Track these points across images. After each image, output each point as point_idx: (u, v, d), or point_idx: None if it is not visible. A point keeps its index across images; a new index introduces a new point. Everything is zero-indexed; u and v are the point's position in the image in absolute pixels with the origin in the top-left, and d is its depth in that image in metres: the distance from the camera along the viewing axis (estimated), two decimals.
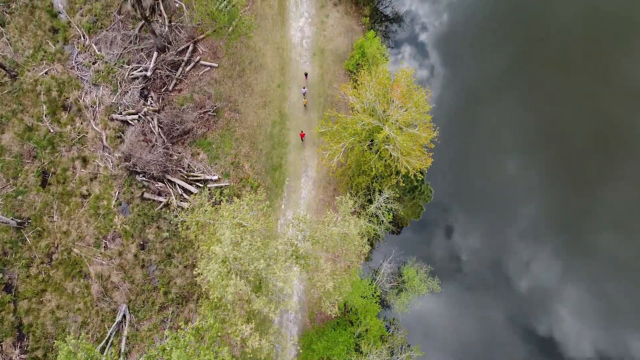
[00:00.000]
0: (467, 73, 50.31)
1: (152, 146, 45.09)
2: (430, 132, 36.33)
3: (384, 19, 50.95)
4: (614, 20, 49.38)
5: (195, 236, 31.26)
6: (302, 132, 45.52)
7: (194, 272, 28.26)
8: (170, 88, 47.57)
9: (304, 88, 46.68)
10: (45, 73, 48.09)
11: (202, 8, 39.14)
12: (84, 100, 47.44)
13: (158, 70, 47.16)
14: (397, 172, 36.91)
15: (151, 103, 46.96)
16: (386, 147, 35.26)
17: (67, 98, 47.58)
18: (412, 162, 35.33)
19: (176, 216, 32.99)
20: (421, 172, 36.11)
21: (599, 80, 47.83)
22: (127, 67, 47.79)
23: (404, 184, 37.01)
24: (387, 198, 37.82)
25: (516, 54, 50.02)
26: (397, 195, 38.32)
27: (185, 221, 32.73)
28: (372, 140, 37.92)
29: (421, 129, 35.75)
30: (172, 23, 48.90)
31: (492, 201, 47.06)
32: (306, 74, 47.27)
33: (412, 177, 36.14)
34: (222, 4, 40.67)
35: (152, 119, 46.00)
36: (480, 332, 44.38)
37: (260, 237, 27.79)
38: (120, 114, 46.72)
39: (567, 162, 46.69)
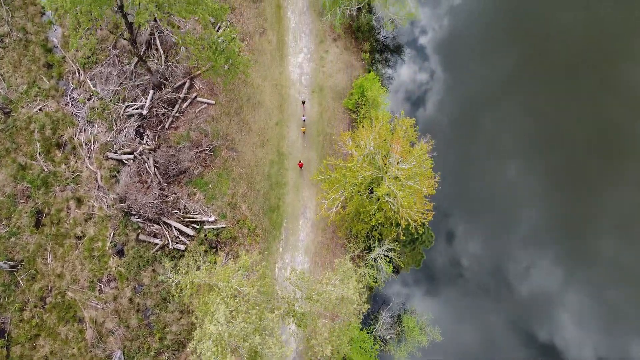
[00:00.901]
0: (468, 78, 49.98)
1: (148, 187, 44.30)
2: (431, 182, 35.57)
3: (383, 54, 49.97)
4: (616, 26, 49.38)
5: (190, 300, 30.46)
6: (300, 162, 44.88)
7: (188, 349, 27.50)
8: (167, 126, 46.72)
9: (303, 116, 46.11)
10: (40, 110, 47.28)
11: (197, 51, 38.22)
12: (78, 138, 46.63)
13: (154, 109, 46.32)
14: (397, 224, 36.10)
15: (147, 141, 46.14)
16: (387, 199, 34.46)
17: (61, 135, 46.78)
18: (413, 215, 34.55)
19: (169, 278, 32.14)
20: (422, 225, 35.28)
21: (601, 85, 47.91)
22: (122, 104, 46.95)
23: (404, 237, 36.21)
24: (387, 249, 37.02)
25: (518, 59, 49.73)
26: (397, 249, 37.53)
27: (179, 283, 31.93)
28: (371, 189, 37.13)
29: (422, 180, 34.96)
30: (169, 58, 48.06)
31: (493, 206, 46.73)
32: (304, 102, 46.68)
33: (413, 230, 35.33)
34: (218, 42, 39.75)
35: (148, 159, 45.17)
36: (481, 337, 44.11)
37: (255, 308, 27.00)
38: (115, 152, 45.90)
39: (569, 167, 46.58)
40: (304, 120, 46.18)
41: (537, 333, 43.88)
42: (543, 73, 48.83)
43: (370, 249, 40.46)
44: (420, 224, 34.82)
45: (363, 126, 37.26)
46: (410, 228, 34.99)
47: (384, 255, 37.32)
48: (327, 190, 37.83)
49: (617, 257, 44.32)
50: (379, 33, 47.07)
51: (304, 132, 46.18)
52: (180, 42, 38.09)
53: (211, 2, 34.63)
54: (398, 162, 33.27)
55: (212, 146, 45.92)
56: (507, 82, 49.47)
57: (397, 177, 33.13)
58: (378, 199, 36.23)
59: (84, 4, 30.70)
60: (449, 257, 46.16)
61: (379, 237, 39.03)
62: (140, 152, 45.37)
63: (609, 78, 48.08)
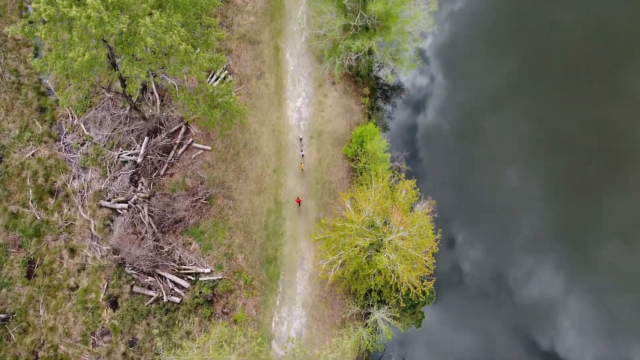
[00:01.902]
0: (469, 83, 49.38)
1: (142, 238, 43.34)
2: (434, 245, 34.72)
3: (384, 95, 48.87)
4: (618, 30, 48.89)
5: None
6: (298, 198, 44.07)
7: None
8: (162, 172, 45.76)
9: (301, 151, 45.36)
10: (32, 155, 46.31)
11: (193, 106, 37.17)
12: (71, 185, 45.66)
13: (149, 156, 45.32)
14: (397, 290, 35.18)
15: (141, 189, 45.15)
16: (386, 266, 33.53)
17: (54, 182, 45.83)
18: (413, 282, 33.64)
19: (157, 354, 31.20)
20: (423, 293, 34.31)
21: (603, 90, 47.37)
22: (116, 151, 45.96)
23: (404, 304, 35.28)
24: (387, 314, 36.09)
25: (520, 65, 49.18)
26: (398, 315, 36.61)
27: None
28: (371, 251, 36.18)
29: (423, 240, 34.05)
30: (164, 101, 47.08)
31: (494, 212, 46.26)
32: (301, 138, 45.95)
33: (414, 297, 34.41)
34: (214, 95, 38.76)
35: (142, 208, 44.21)
36: (482, 343, 43.61)
37: None
38: (109, 201, 44.93)
39: (571, 172, 46.18)
40: (302, 155, 45.35)
41: (538, 339, 43.43)
42: (544, 77, 48.53)
43: (369, 305, 39.50)
44: (421, 291, 33.86)
45: (361, 184, 36.31)
46: (410, 295, 34.06)
47: (383, 319, 36.38)
48: (325, 250, 36.89)
49: (618, 263, 43.88)
50: (378, 79, 46.03)
51: (302, 169, 45.34)
52: (175, 97, 37.05)
53: (205, 60, 33.60)
54: (398, 232, 32.30)
55: (208, 194, 44.94)
56: (509, 87, 49.09)
57: (397, 247, 32.17)
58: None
59: (75, 64, 29.68)
60: (450, 263, 45.56)
61: (379, 298, 38.08)
62: (134, 200, 44.39)
63: (611, 82, 47.72)
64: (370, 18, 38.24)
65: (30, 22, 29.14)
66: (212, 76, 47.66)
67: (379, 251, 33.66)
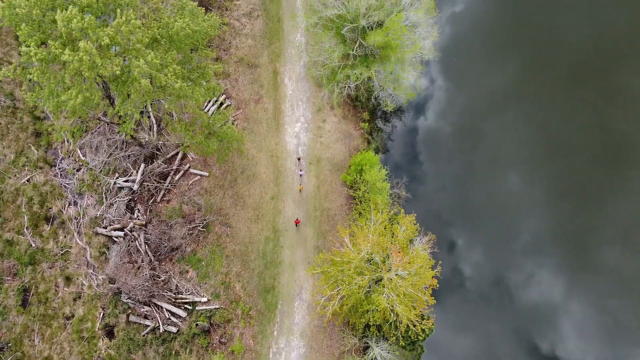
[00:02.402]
0: (470, 88, 49.38)
1: (138, 268, 42.83)
2: (433, 281, 34.25)
3: (383, 121, 48.28)
4: (621, 36, 49.00)
5: None
6: (297, 219, 43.66)
7: None
8: (158, 199, 45.25)
9: (300, 171, 44.86)
10: (27, 181, 45.78)
11: (189, 137, 36.62)
12: (67, 212, 45.14)
13: (145, 183, 44.80)
14: (396, 327, 34.67)
15: (138, 216, 44.63)
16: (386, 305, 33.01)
17: (50, 208, 45.29)
18: (413, 320, 33.14)
19: None
20: (423, 331, 33.81)
21: (605, 94, 47.47)
22: (112, 177, 45.43)
23: (403, 343, 34.78)
24: (386, 351, 35.60)
25: (522, 69, 49.28)
26: (397, 353, 36.13)
27: None
28: (370, 286, 35.68)
29: (422, 275, 33.55)
30: (161, 126, 46.53)
31: (495, 216, 46.24)
32: (299, 158, 45.54)
33: (413, 335, 33.91)
34: (210, 125, 38.17)
35: (139, 236, 43.70)
36: (483, 347, 43.60)
37: None
38: (105, 228, 44.41)
39: (572, 176, 46.26)
40: (301, 175, 44.94)
41: (539, 342, 43.41)
42: (546, 81, 48.50)
43: (368, 337, 38.99)
44: (420, 330, 33.36)
45: (360, 212, 35.69)
46: (410, 333, 33.56)
47: (382, 356, 35.88)
48: (324, 285, 36.39)
49: (619, 267, 43.90)
50: (378, 104, 45.40)
51: (300, 190, 44.92)
52: (171, 128, 36.50)
53: (201, 95, 33.01)
54: (397, 271, 31.79)
55: (205, 221, 44.42)
56: (510, 91, 49.11)
57: (396, 286, 31.64)
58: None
59: (68, 106, 29.15)
60: (451, 267, 45.46)
61: (378, 333, 37.56)
62: (130, 228, 43.88)
63: (612, 86, 47.76)
64: (369, 47, 37.65)
65: (23, 65, 28.60)
66: (209, 100, 47.11)
67: (378, 286, 33.13)
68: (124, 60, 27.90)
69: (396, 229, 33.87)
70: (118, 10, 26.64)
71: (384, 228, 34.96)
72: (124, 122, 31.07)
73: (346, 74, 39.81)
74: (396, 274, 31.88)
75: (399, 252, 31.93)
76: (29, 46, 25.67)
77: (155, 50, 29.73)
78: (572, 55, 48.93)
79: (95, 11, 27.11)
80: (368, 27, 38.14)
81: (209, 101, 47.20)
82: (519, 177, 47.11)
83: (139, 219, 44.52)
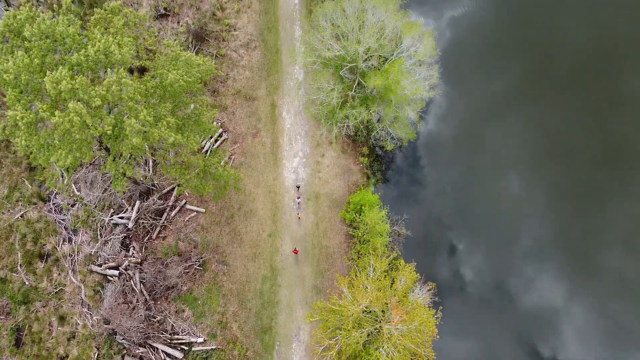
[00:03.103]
0: (471, 92, 48.99)
1: (133, 308, 42.10)
2: (433, 329, 33.48)
3: (382, 156, 47.38)
4: (623, 38, 48.59)
5: None
6: (295, 249, 43.08)
7: None
8: (154, 236, 44.50)
9: (298, 198, 44.28)
10: (21, 216, 45.05)
11: (184, 181, 35.82)
12: (61, 249, 44.42)
13: (141, 220, 44.03)
14: None
15: (133, 254, 43.89)
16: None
17: (44, 245, 44.58)
18: None
19: None
20: None
21: (607, 97, 47.15)
22: (107, 213, 44.67)
23: None
24: None
25: (524, 72, 48.85)
26: None
27: None
28: (369, 334, 34.94)
29: (423, 332, 32.83)
30: (157, 164, 45.72)
31: (496, 220, 45.97)
32: (298, 187, 44.95)
33: None
34: (206, 166, 37.35)
35: (134, 275, 42.98)
36: (483, 351, 43.45)
37: None
38: (100, 266, 43.69)
39: (574, 179, 46.05)
40: (299, 202, 44.37)
41: (540, 347, 43.25)
42: (547, 84, 48.15)
43: None
44: None
45: (359, 253, 34.87)
46: None
47: None
48: (322, 334, 35.66)
49: (621, 270, 43.75)
50: (377, 139, 44.51)
51: (299, 217, 44.32)
52: (166, 171, 35.72)
53: (196, 143, 32.19)
54: (397, 327, 31.04)
55: (201, 259, 43.68)
56: (511, 95, 48.71)
57: (395, 343, 30.91)
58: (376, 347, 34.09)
59: (60, 159, 28.40)
60: (452, 270, 45.40)
61: None
62: (125, 267, 43.15)
63: (614, 88, 47.47)
64: (369, 89, 36.81)
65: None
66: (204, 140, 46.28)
67: (377, 337, 32.40)
68: (114, 114, 27.07)
69: (396, 278, 33.10)
70: (109, 70, 25.86)
71: (384, 277, 34.20)
72: (116, 178, 30.29)
73: (345, 114, 38.97)
74: (396, 329, 31.14)
75: (399, 303, 31.16)
76: (16, 108, 24.87)
77: (148, 102, 28.92)
78: (573, 57, 48.61)
79: (86, 70, 26.32)
80: (367, 68, 37.27)
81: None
82: (520, 180, 46.79)
83: (134, 257, 43.78)
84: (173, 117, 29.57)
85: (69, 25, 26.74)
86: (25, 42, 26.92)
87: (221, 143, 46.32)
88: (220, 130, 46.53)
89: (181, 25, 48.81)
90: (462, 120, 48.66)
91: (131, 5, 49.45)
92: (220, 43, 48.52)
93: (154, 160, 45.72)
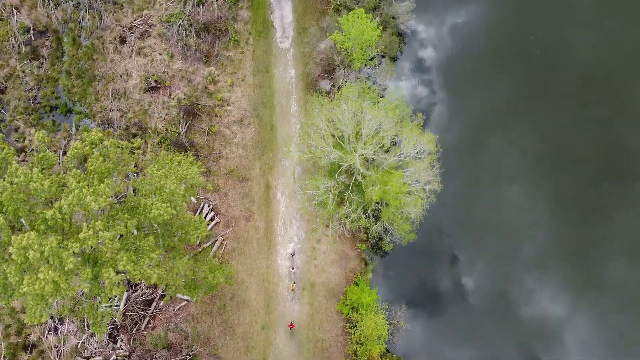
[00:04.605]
0: (474, 101, 48.74)
1: None
2: None
3: (381, 249, 45.40)
4: (628, 49, 48.42)
5: None
6: (291, 323, 41.75)
7: None
8: (143, 327, 42.81)
9: (292, 268, 42.90)
10: (4, 304, 43.27)
11: (171, 292, 34.04)
12: (47, 339, 42.75)
13: (129, 312, 42.33)
14: None
15: (121, 346, 42.23)
16: None
17: (28, 335, 42.93)
18: None
19: None
20: None
21: (610, 106, 47.14)
22: (95, 300, 42.90)
23: None
24: None
25: (529, 82, 48.55)
26: None
27: None
28: None
29: None
30: None
31: (499, 230, 45.74)
32: (293, 254, 43.37)
33: None
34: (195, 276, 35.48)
35: None
36: None
37: None
38: (87, 358, 42.03)
39: (577, 189, 45.67)
40: (294, 271, 42.88)
41: (543, 358, 43.08)
42: (552, 95, 47.85)
43: None
44: None
45: (357, 351, 32.96)
46: None
47: None
48: None
49: (624, 281, 43.56)
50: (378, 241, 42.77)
51: (293, 289, 42.80)
52: (149, 283, 33.88)
53: (182, 267, 30.40)
54: None
55: (192, 353, 41.97)
56: (515, 104, 48.39)
57: None
58: None
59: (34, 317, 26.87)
60: (454, 281, 45.01)
61: None
62: None
63: (619, 99, 47.30)
64: (366, 199, 34.94)
65: None
66: (197, 212, 44.48)
67: None
68: (91, 267, 25.30)
69: None
70: (84, 225, 24.06)
71: None
72: (95, 322, 28.56)
73: (342, 216, 37.14)
74: None
75: None
76: None
77: (128, 246, 27.07)
78: (580, 68, 48.38)
79: (58, 230, 24.57)
80: (365, 169, 35.34)
81: (197, 212, 44.51)
82: (523, 190, 46.41)
83: (122, 350, 42.13)
84: (156, 251, 27.71)
85: (44, 179, 24.92)
86: None
87: (213, 227, 44.48)
88: (212, 213, 44.68)
89: (172, 99, 46.84)
90: (464, 133, 48.36)
91: (120, 76, 47.49)
92: (212, 119, 46.57)
93: None
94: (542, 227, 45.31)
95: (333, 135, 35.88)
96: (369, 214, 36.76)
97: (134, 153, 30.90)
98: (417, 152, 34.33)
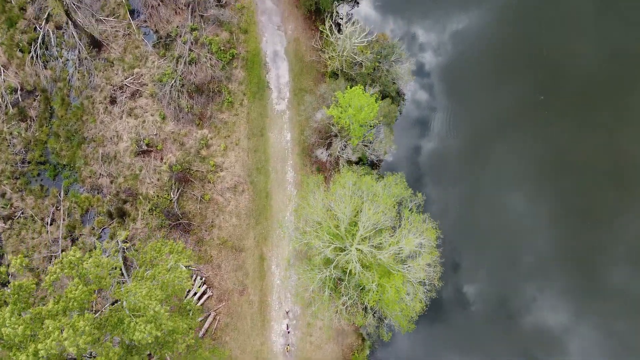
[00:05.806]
0: (477, 109, 48.59)
1: None
2: None
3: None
4: (632, 57, 48.00)
5: None
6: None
7: None
8: None
9: (287, 327, 41.61)
10: None
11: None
12: None
13: None
14: None
15: None
16: None
17: None
18: None
19: None
20: None
21: (615, 114, 46.91)
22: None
23: None
24: None
25: (533, 88, 48.05)
26: None
27: None
28: None
29: None
30: None
31: (501, 237, 45.65)
32: (287, 312, 42.21)
33: None
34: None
35: None
36: None
37: None
38: None
39: (580, 196, 45.63)
40: (289, 332, 41.71)
41: None
42: (556, 102, 47.37)
43: None
44: None
45: None
46: None
47: None
48: None
49: (628, 288, 43.51)
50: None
51: (288, 351, 41.49)
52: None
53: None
54: None
55: None
56: (518, 111, 48.16)
57: None
58: None
59: None
60: (456, 288, 44.77)
61: None
62: None
63: (623, 106, 47.07)
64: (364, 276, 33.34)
65: None
66: (188, 290, 42.98)
67: None
68: None
69: None
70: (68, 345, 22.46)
71: None
72: None
73: (338, 306, 35.55)
74: None
75: None
76: None
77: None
78: (583, 75, 48.11)
79: None
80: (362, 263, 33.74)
81: (188, 291, 43.02)
82: (526, 197, 46.30)
83: None
84: None
85: (19, 325, 23.39)
86: None
87: (205, 301, 42.97)
88: (205, 286, 43.15)
89: (164, 163, 45.23)
90: (468, 141, 47.84)
91: (111, 139, 45.88)
92: (205, 185, 44.93)
93: None
94: (544, 234, 45.13)
95: (329, 226, 34.22)
96: (365, 306, 35.14)
97: (115, 269, 29.18)
98: (417, 246, 32.65)
